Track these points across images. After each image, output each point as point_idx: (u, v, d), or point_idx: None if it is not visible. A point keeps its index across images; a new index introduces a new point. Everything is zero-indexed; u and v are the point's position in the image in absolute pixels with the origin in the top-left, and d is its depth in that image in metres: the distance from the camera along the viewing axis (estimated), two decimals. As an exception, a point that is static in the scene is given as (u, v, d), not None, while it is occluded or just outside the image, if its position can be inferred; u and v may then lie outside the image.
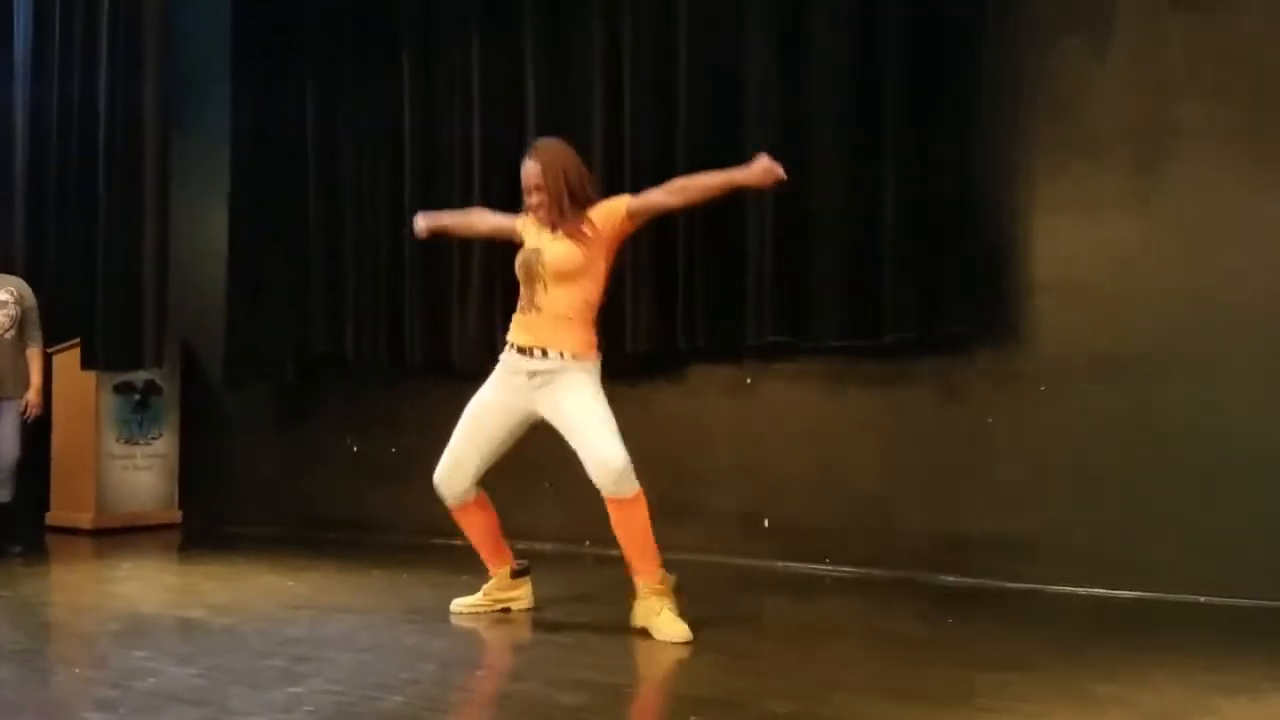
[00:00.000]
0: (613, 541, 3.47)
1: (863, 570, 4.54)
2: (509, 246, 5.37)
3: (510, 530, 5.45)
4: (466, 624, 3.61)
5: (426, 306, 5.66)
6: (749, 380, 4.93)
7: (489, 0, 5.48)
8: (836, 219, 4.47)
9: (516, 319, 3.56)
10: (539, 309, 3.49)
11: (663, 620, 3.30)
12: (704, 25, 4.89)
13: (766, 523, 4.85)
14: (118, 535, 5.89)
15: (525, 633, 3.45)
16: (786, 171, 3.41)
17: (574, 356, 3.45)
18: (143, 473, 6.28)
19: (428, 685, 2.79)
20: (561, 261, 3.45)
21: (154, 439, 6.32)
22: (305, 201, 6.02)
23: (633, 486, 3.34)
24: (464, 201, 5.56)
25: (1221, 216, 3.91)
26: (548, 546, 5.31)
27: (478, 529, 3.74)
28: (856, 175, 4.44)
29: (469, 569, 4.78)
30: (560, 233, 3.48)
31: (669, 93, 4.93)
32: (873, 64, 4.42)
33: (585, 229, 3.46)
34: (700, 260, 4.83)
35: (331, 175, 5.97)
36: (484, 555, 3.78)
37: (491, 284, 5.46)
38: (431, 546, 5.46)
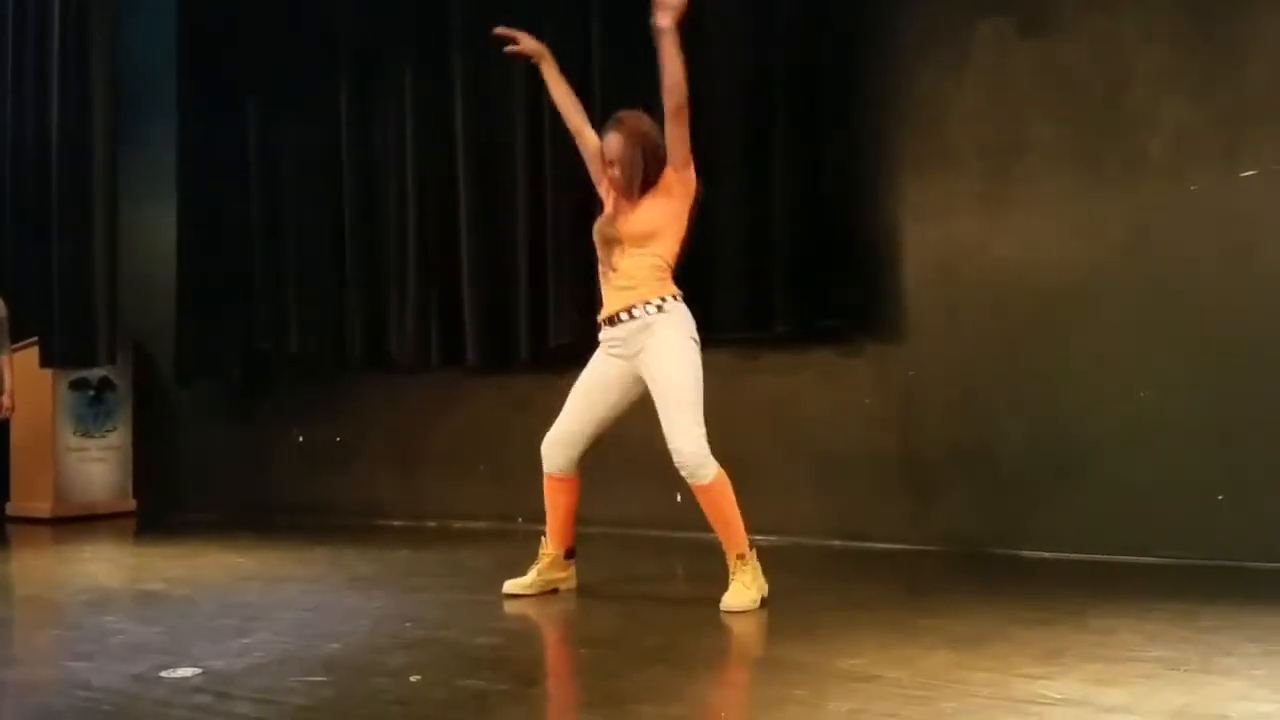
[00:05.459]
0: (543, 517, 3.78)
1: (765, 537, 5.04)
2: (456, 234, 5.84)
3: (448, 511, 5.98)
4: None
5: (366, 304, 6.10)
6: (663, 369, 5.43)
7: (420, 23, 5.93)
8: (733, 227, 5.01)
9: (603, 289, 3.62)
10: (616, 272, 3.57)
11: (730, 592, 3.47)
12: (613, 40, 5.36)
13: (679, 497, 5.37)
14: (76, 523, 6.24)
15: (454, 595, 3.93)
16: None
17: (658, 308, 3.54)
18: (98, 464, 6.65)
19: (362, 635, 3.26)
20: (636, 225, 3.55)
21: (109, 432, 6.69)
22: (248, 208, 6.43)
23: (706, 475, 3.46)
24: (399, 208, 6.03)
25: (1057, 221, 4.48)
26: (482, 524, 5.80)
27: (561, 506, 3.70)
28: (750, 191, 4.96)
29: (407, 544, 5.27)
30: (635, 200, 3.56)
31: (584, 99, 5.41)
32: (764, 83, 4.94)
33: (660, 192, 3.54)
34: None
35: (274, 183, 6.38)
36: (550, 530, 3.75)
37: (428, 281, 5.92)
38: (372, 527, 5.92)
